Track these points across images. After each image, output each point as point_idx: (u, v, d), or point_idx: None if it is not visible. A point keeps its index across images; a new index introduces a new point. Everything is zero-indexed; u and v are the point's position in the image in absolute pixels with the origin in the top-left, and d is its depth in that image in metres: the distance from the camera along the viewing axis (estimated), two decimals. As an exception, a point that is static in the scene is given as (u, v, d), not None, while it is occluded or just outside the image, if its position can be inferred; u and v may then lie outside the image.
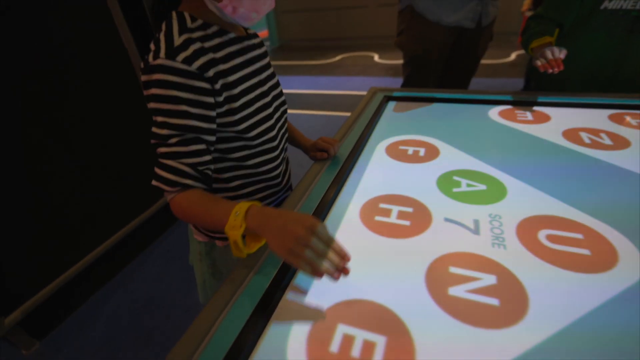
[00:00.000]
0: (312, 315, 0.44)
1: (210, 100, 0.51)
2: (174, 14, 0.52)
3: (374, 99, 1.11)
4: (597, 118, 0.87)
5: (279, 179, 0.69)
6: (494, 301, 0.43)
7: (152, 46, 0.50)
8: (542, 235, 0.52)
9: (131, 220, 1.52)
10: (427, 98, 1.10)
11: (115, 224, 1.46)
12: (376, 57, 4.55)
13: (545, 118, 0.89)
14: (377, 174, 0.73)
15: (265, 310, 0.44)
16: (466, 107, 1.02)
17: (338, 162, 0.76)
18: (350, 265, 0.43)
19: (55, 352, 1.21)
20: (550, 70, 0.86)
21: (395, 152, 0.81)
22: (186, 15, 0.52)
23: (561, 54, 0.87)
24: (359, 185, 0.69)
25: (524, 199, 0.61)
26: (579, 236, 0.51)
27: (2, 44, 1.02)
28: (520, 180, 0.66)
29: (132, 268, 1.55)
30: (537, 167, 0.70)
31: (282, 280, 0.49)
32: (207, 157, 0.53)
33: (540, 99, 0.99)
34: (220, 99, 0.52)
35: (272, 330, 0.42)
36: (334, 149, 0.76)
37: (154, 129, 0.50)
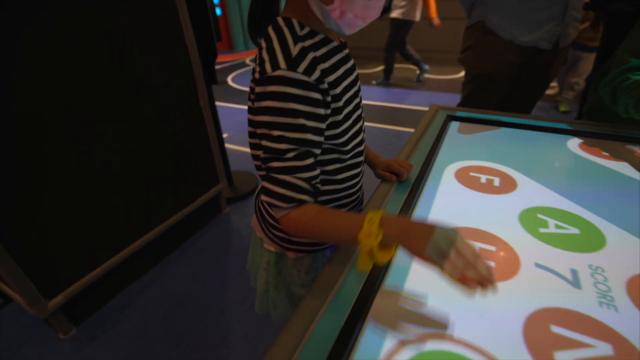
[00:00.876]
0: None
1: (322, 112, 0.49)
2: (280, 20, 0.49)
3: (436, 117, 1.05)
4: (701, 161, 0.77)
5: (358, 194, 0.67)
6: (615, 378, 0.36)
7: (264, 55, 0.47)
8: (661, 299, 0.45)
9: (170, 216, 1.54)
10: (494, 121, 1.02)
11: (154, 220, 1.48)
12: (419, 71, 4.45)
13: (635, 155, 0.80)
14: (449, 201, 0.67)
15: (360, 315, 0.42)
16: (539, 135, 0.94)
17: (407, 185, 0.71)
18: (437, 320, 0.39)
19: (90, 339, 1.22)
20: None
21: (466, 178, 0.75)
22: (294, 22, 0.49)
23: None
24: (431, 212, 0.64)
25: (628, 250, 0.53)
26: None
27: (68, 35, 1.06)
28: (619, 227, 0.58)
29: (166, 264, 1.57)
30: (629, 210, 0.61)
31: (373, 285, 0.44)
32: (318, 171, 0.51)
33: (623, 134, 0.89)
34: (329, 110, 0.50)
35: (367, 334, 0.38)
36: (408, 174, 0.72)
37: (268, 144, 0.48)
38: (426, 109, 1.04)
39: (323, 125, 0.50)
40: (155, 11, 1.28)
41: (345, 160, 0.57)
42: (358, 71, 0.59)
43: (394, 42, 3.61)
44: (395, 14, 3.40)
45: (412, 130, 1.11)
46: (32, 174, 1.03)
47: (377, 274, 0.50)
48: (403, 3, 3.33)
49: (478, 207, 0.65)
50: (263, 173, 0.50)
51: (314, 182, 0.50)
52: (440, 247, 0.38)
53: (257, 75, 0.47)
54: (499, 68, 1.25)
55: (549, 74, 1.29)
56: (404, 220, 0.44)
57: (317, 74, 0.47)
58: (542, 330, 0.42)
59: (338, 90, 0.51)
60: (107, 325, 1.28)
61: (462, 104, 1.43)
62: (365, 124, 3.01)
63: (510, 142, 0.91)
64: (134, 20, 1.21)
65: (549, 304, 0.45)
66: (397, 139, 2.63)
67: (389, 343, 0.41)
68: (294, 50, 0.46)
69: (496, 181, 0.73)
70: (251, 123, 0.54)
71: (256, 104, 0.47)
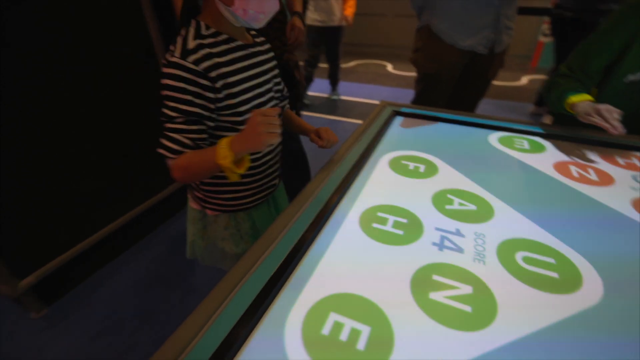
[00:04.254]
0: (308, 303, 0.51)
1: (211, 95, 0.62)
2: (193, 22, 0.63)
3: (383, 112, 1.18)
4: (589, 154, 0.93)
5: (264, 167, 0.80)
6: (467, 308, 0.50)
7: (171, 47, 0.62)
8: (519, 256, 0.59)
9: (143, 201, 1.60)
10: (433, 117, 1.16)
11: (127, 204, 1.54)
12: (389, 67, 4.61)
13: (540, 149, 0.96)
14: (379, 184, 0.80)
15: (265, 299, 0.51)
16: (468, 129, 1.08)
17: (343, 171, 0.83)
18: (348, 264, 0.53)
19: (62, 318, 1.28)
20: (614, 131, 0.85)
21: (397, 166, 0.88)
22: (202, 24, 0.63)
23: (616, 114, 0.86)
24: (361, 194, 0.76)
25: (508, 222, 0.67)
26: (552, 260, 0.58)
27: (30, 31, 1.10)
28: (508, 204, 0.72)
29: (138, 248, 1.63)
30: (524, 194, 0.76)
31: (283, 273, 0.55)
32: (205, 135, 0.65)
33: (537, 130, 1.05)
34: (220, 95, 0.64)
35: (272, 314, 0.49)
36: (329, 141, 0.84)
37: (165, 111, 0.62)
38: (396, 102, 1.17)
39: (212, 106, 0.64)
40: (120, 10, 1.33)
41: None
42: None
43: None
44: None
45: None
46: (5, 157, 1.07)
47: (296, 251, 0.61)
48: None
49: (401, 189, 0.78)
50: (162, 133, 0.64)
51: (199, 142, 0.64)
52: (259, 135, 0.58)
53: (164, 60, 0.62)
54: (444, 69, 1.39)
55: (487, 75, 1.44)
56: (237, 137, 0.61)
57: (207, 65, 0.61)
58: (425, 278, 0.55)
59: (231, 79, 0.64)
60: (79, 305, 1.34)
61: (415, 101, 1.57)
62: (320, 115, 3.07)
63: (442, 136, 1.05)
64: (98, 13, 1.25)
65: (436, 260, 0.58)
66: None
67: (289, 323, 0.50)
68: (191, 44, 0.61)
69: (422, 168, 0.87)
70: None
71: (162, 81, 0.61)
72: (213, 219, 0.86)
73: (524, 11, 2.20)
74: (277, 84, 0.79)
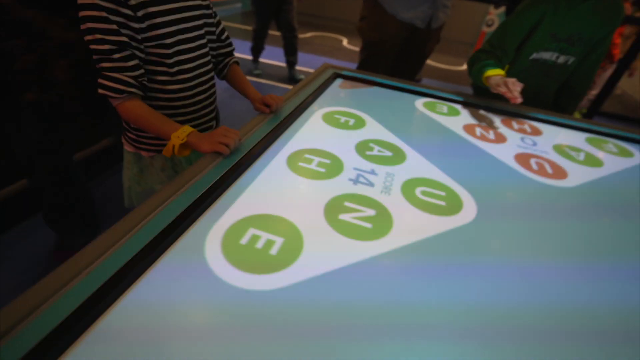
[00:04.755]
0: (231, 221, 0.56)
1: (135, 25, 0.63)
2: None
3: (324, 73, 1.23)
4: (493, 119, 1.08)
5: (194, 108, 0.82)
6: (368, 225, 0.59)
7: None
8: (418, 190, 0.70)
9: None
10: (369, 81, 1.24)
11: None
12: (345, 42, 4.64)
13: (456, 113, 1.09)
14: (310, 132, 0.86)
15: (186, 219, 0.56)
16: (400, 94, 1.19)
17: (279, 118, 0.87)
18: (272, 193, 0.62)
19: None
20: (513, 101, 0.96)
21: (330, 119, 0.94)
22: None
23: (519, 86, 0.98)
24: (292, 139, 0.82)
25: (416, 166, 0.78)
26: (442, 193, 0.69)
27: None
28: (419, 153, 0.83)
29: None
30: (434, 146, 0.88)
31: (209, 197, 0.60)
32: (142, 71, 0.67)
33: (455, 97, 1.18)
34: (143, 25, 0.65)
35: (196, 228, 0.54)
36: (277, 105, 0.87)
37: (95, 46, 0.62)
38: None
39: (139, 36, 0.65)
40: None
41: (173, 74, 0.73)
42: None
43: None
44: None
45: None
46: None
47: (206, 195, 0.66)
48: None
49: (330, 137, 0.85)
50: (100, 74, 0.64)
51: (140, 79, 0.67)
52: (214, 140, 0.66)
53: None
54: (386, 38, 1.48)
55: (424, 50, 1.56)
56: (199, 134, 0.68)
57: None
58: (338, 204, 0.63)
59: (152, 9, 0.65)
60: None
61: (358, 68, 1.64)
62: (269, 82, 3.03)
63: (375, 97, 1.14)
64: None
65: (350, 191, 0.66)
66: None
67: (211, 235, 0.58)
68: None
69: (351, 122, 0.94)
70: None
71: (80, 14, 0.60)
72: (149, 161, 0.85)
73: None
74: (210, 25, 0.79)
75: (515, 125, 1.06)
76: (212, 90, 0.85)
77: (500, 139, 0.96)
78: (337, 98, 1.09)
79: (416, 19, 1.42)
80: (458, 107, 1.14)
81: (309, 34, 4.81)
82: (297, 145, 0.80)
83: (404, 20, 1.43)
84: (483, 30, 4.68)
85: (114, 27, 0.61)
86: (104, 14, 0.60)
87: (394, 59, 1.59)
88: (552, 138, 1.02)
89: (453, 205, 0.66)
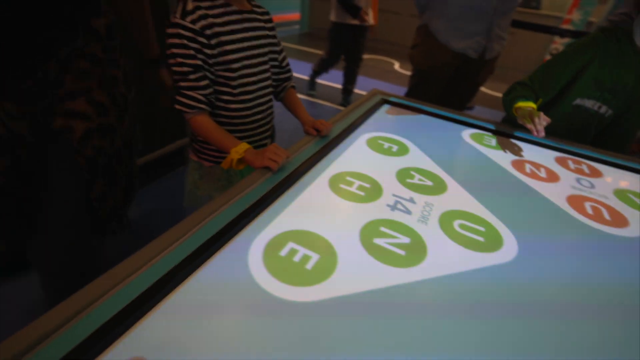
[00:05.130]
0: (273, 233, 0.61)
1: (208, 51, 0.74)
2: None
3: (372, 99, 1.27)
4: (546, 156, 1.04)
5: (253, 126, 0.90)
6: (401, 252, 0.60)
7: (175, 10, 0.72)
8: (456, 223, 0.70)
9: (140, 157, 1.69)
10: (416, 108, 1.26)
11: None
12: (397, 65, 4.68)
13: (505, 146, 1.06)
14: (353, 156, 0.90)
15: (233, 228, 0.61)
16: (446, 124, 1.18)
17: (325, 140, 0.92)
18: (312, 211, 0.66)
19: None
20: (536, 134, 0.99)
21: (374, 144, 0.97)
22: None
23: (545, 121, 0.99)
24: (336, 161, 0.86)
25: (456, 198, 0.78)
26: (482, 228, 0.69)
27: None
28: (461, 185, 0.83)
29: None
30: (477, 179, 0.87)
31: (255, 209, 0.65)
32: (212, 90, 0.79)
33: (504, 130, 1.15)
34: (215, 52, 0.74)
35: (242, 236, 0.59)
36: (326, 131, 0.93)
37: (175, 69, 0.72)
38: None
39: (209, 60, 0.75)
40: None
41: (235, 94, 0.82)
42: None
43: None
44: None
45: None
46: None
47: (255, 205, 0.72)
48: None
49: (372, 162, 0.88)
50: (177, 92, 0.75)
51: (209, 97, 0.78)
52: (266, 156, 0.73)
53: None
54: (436, 67, 1.49)
55: (477, 80, 1.54)
56: (254, 150, 0.76)
57: (202, 24, 0.71)
58: (374, 228, 0.65)
59: (224, 38, 0.75)
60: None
61: (407, 94, 1.66)
62: (321, 102, 3.12)
63: (420, 125, 1.15)
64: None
65: (387, 217, 0.68)
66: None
67: (254, 246, 0.62)
68: (189, 6, 0.72)
69: (394, 148, 0.97)
70: None
71: (167, 41, 0.72)
72: (208, 170, 0.95)
73: (531, 27, 2.28)
74: (274, 52, 0.88)
75: (571, 164, 1.01)
76: (269, 111, 0.93)
77: (552, 177, 0.92)
78: (383, 124, 1.12)
79: (469, 49, 1.42)
80: (506, 139, 1.11)
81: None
82: (340, 167, 0.84)
83: (456, 50, 1.44)
84: (545, 59, 4.47)
85: (192, 52, 0.72)
86: (185, 42, 0.71)
87: (445, 87, 1.59)
88: (614, 182, 0.96)
89: (492, 242, 0.65)
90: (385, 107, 1.26)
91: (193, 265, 0.53)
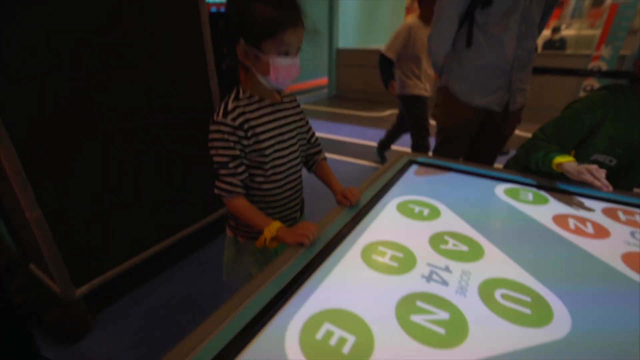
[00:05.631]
0: (308, 314, 0.62)
1: (245, 142, 0.83)
2: (235, 88, 0.85)
3: (400, 161, 1.31)
4: (591, 208, 0.98)
5: (283, 202, 0.97)
6: (441, 330, 0.58)
7: (217, 108, 0.83)
8: (498, 293, 0.66)
9: (181, 229, 1.81)
10: (445, 167, 1.27)
11: (166, 230, 1.75)
12: (424, 117, 4.78)
13: (544, 201, 1.02)
14: (384, 223, 0.91)
15: (270, 310, 0.63)
16: (478, 180, 1.18)
17: (355, 209, 0.96)
18: (346, 287, 0.68)
19: (101, 329, 1.46)
20: (605, 189, 0.94)
21: (404, 209, 0.99)
22: (241, 90, 0.85)
23: (603, 172, 0.96)
24: (367, 230, 0.88)
25: (495, 264, 0.75)
26: (527, 298, 0.65)
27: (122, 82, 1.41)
28: (499, 248, 0.80)
29: (172, 271, 1.81)
30: (517, 241, 0.83)
31: (289, 290, 0.68)
32: (247, 175, 0.87)
33: (542, 184, 1.12)
34: (250, 142, 0.84)
35: (276, 321, 0.61)
36: (355, 200, 0.96)
37: (217, 159, 0.83)
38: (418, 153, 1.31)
39: (246, 149, 0.84)
40: (188, 61, 1.65)
41: (267, 176, 0.90)
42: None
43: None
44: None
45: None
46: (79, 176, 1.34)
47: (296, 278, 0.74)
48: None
49: (404, 228, 0.89)
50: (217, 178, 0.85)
51: (245, 182, 0.86)
52: (298, 232, 0.78)
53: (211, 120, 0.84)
54: (460, 124, 1.52)
55: (503, 131, 1.54)
56: (285, 228, 0.81)
57: (240, 120, 0.81)
58: (410, 303, 0.64)
59: (258, 130, 0.84)
60: (119, 317, 1.51)
61: (434, 151, 1.68)
62: (353, 160, 3.17)
63: (451, 184, 1.15)
64: (170, 51, 1.57)
65: (423, 290, 0.67)
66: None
67: (290, 327, 0.64)
68: (230, 106, 0.81)
69: (425, 212, 0.97)
70: None
71: (209, 136, 0.83)
72: (243, 245, 1.01)
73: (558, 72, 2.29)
74: (302, 132, 0.97)
75: (622, 216, 0.94)
76: (299, 187, 0.99)
77: (602, 233, 0.86)
78: (413, 186, 1.14)
79: (492, 104, 1.45)
80: (546, 194, 1.07)
81: (387, 112, 5.12)
82: (372, 236, 0.85)
83: (479, 107, 1.47)
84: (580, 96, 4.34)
85: (231, 144, 0.82)
86: (225, 136, 0.81)
87: (472, 143, 1.60)
88: (676, 232, 0.87)
89: (541, 315, 0.61)
90: (414, 167, 1.29)
91: (232, 353, 0.54)
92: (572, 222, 0.91)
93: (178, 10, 1.57)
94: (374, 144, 3.78)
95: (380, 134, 4.12)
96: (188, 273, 1.80)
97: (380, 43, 7.23)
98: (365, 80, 6.20)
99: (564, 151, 1.12)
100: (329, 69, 6.43)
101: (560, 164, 1.04)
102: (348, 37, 6.43)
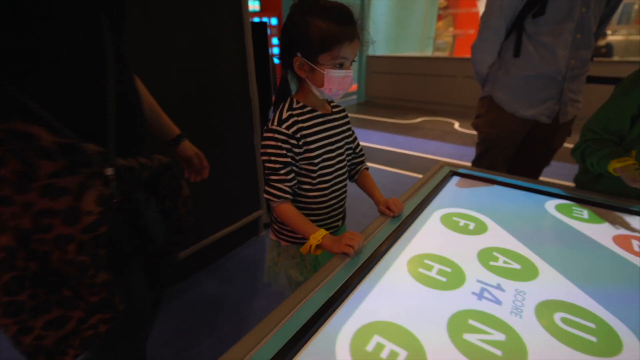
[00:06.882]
0: (357, 325, 0.61)
1: (297, 150, 0.85)
2: (289, 98, 0.87)
3: (440, 172, 1.28)
4: (656, 230, 0.91)
5: (327, 210, 0.97)
6: (497, 352, 0.56)
7: (272, 116, 0.86)
8: (557, 316, 0.63)
9: (217, 230, 1.86)
10: (488, 179, 1.23)
11: (204, 232, 1.81)
12: (456, 125, 4.66)
13: (601, 220, 0.96)
14: (429, 236, 0.89)
15: (320, 318, 0.63)
16: (525, 194, 1.12)
17: (399, 219, 0.94)
18: (394, 299, 0.66)
19: (144, 320, 1.52)
20: None
21: (448, 221, 0.96)
22: (294, 100, 0.87)
23: None
24: (411, 241, 0.86)
25: (552, 285, 0.71)
26: (592, 325, 0.61)
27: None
28: (555, 268, 0.76)
29: (208, 270, 1.86)
30: (575, 261, 0.79)
31: (337, 299, 0.67)
32: (296, 181, 0.88)
33: (598, 200, 1.05)
34: (302, 150, 0.86)
35: (326, 329, 0.61)
36: (398, 211, 0.95)
37: (269, 165, 0.84)
38: (456, 161, 1.27)
39: (297, 157, 0.86)
40: (231, 68, 1.71)
41: (314, 184, 0.91)
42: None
43: None
44: None
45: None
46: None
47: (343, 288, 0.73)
48: None
49: (450, 242, 0.86)
50: (267, 183, 0.87)
51: (293, 188, 0.87)
52: (342, 242, 0.77)
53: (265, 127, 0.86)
54: (503, 135, 1.46)
55: (552, 144, 1.47)
56: (331, 237, 0.81)
57: (294, 129, 0.83)
58: (462, 321, 0.62)
59: (309, 139, 0.86)
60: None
61: (475, 162, 1.63)
62: (384, 167, 3.16)
63: (496, 197, 1.11)
64: (216, 74, 1.63)
65: (475, 307, 0.65)
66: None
67: (340, 338, 0.62)
68: (284, 115, 0.84)
69: (471, 225, 0.94)
70: None
71: (262, 142, 0.85)
72: (285, 249, 1.03)
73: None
74: (349, 142, 0.98)
75: (692, 240, 0.87)
76: (343, 196, 1.00)
77: (669, 257, 0.80)
78: (455, 198, 1.11)
79: (540, 115, 1.39)
80: (600, 210, 1.01)
81: (418, 119, 5.03)
82: (417, 249, 0.83)
83: (525, 118, 1.41)
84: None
85: (283, 152, 0.84)
86: (279, 144, 0.83)
87: (515, 154, 1.54)
88: None
89: (608, 344, 0.57)
90: (455, 179, 1.26)
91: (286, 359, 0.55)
92: (636, 244, 0.85)
93: (223, 19, 1.63)
94: (405, 151, 3.73)
95: (412, 141, 4.06)
96: (222, 273, 1.85)
97: (410, 50, 7.20)
98: (394, 87, 6.16)
99: (618, 145, 1.06)
100: (359, 76, 6.43)
101: (617, 169, 0.98)
102: (379, 44, 6.41)
